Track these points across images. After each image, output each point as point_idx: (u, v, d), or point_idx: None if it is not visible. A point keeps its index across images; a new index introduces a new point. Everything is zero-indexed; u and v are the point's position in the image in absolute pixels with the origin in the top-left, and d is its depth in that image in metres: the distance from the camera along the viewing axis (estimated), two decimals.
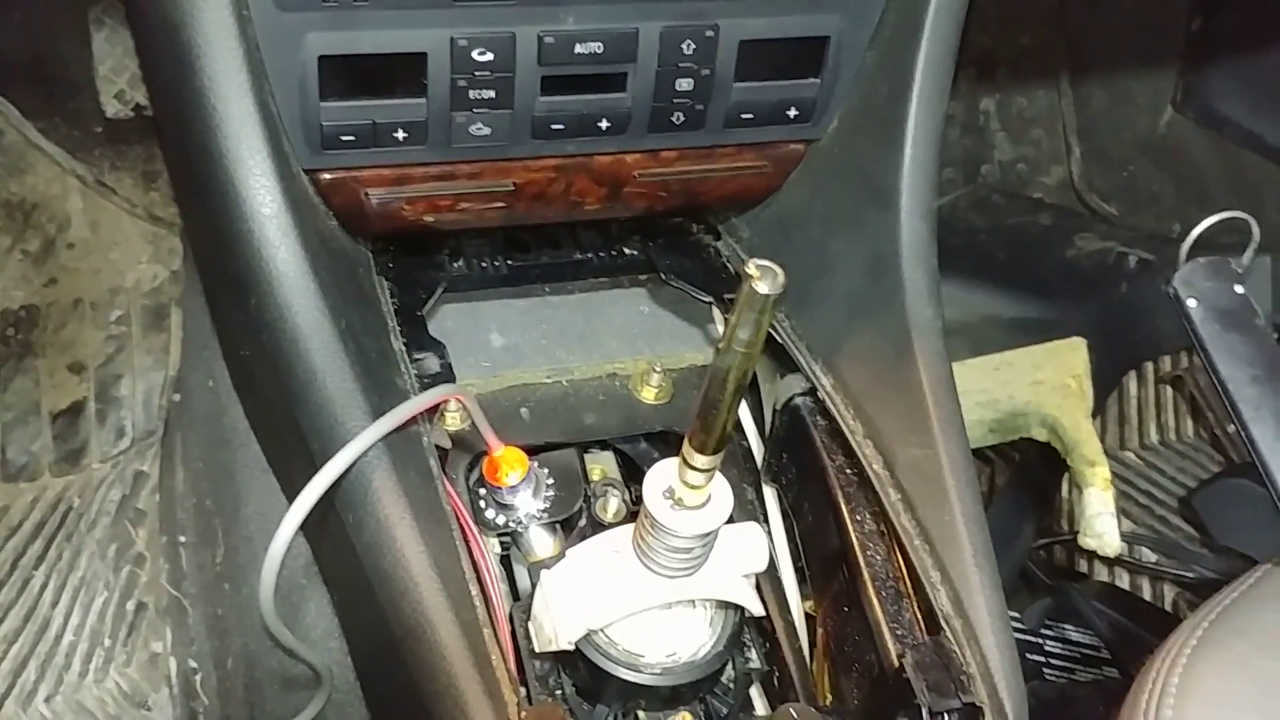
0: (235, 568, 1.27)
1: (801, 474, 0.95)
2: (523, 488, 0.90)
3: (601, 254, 1.13)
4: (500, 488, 0.89)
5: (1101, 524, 1.39)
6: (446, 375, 0.96)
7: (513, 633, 0.86)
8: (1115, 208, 1.88)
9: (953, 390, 0.89)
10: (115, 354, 1.48)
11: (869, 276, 0.94)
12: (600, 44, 0.86)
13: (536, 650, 0.84)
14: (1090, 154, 1.90)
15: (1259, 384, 0.83)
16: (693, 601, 0.84)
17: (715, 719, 0.87)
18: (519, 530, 0.91)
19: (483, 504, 0.91)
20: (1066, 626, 1.46)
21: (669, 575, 0.77)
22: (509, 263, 1.10)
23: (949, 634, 0.79)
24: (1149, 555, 1.54)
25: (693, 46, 0.88)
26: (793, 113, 0.95)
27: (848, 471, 0.90)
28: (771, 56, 0.92)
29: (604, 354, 1.06)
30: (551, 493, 0.91)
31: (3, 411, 1.41)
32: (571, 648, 0.80)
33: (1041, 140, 1.95)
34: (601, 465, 1.04)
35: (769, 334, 0.95)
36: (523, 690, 0.82)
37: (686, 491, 0.72)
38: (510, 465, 0.88)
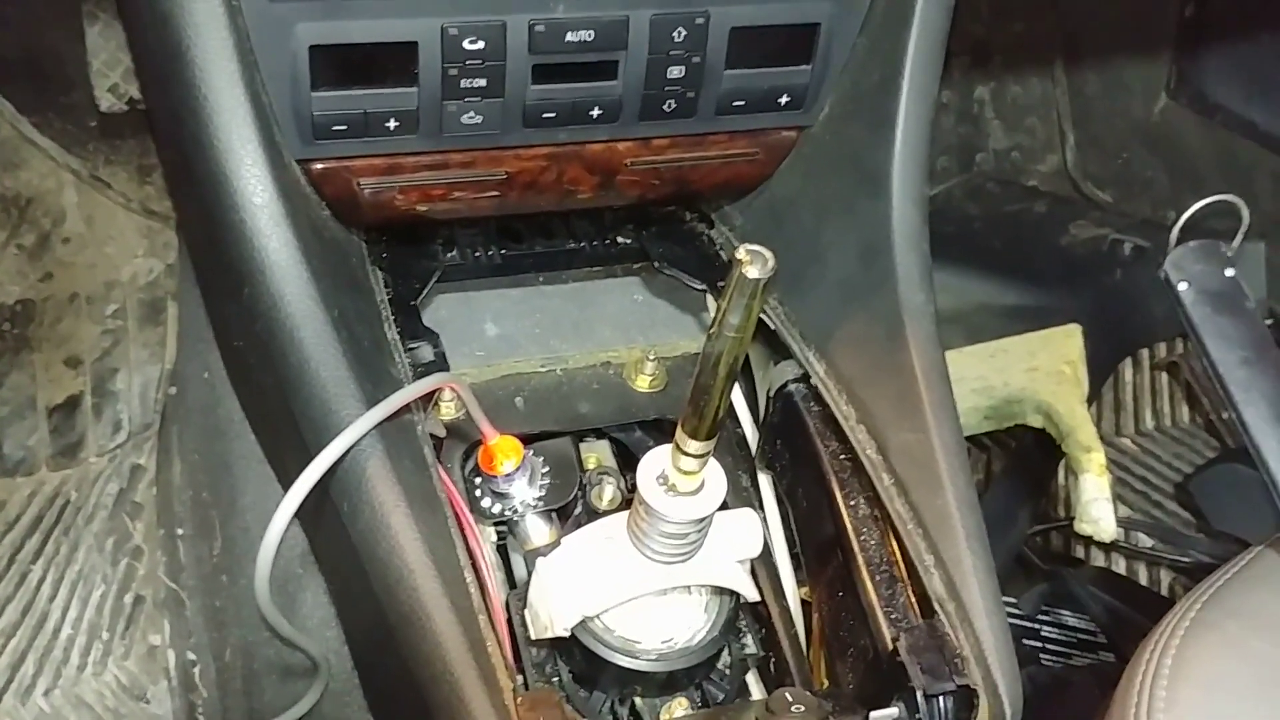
0: (232, 559, 1.27)
1: (795, 460, 0.95)
2: (518, 476, 0.90)
3: (595, 243, 1.13)
4: (496, 476, 0.89)
5: (1097, 510, 1.39)
6: (440, 364, 0.96)
7: (509, 620, 0.86)
8: (1110, 195, 1.88)
9: (945, 375, 0.89)
10: (111, 348, 1.48)
11: (861, 262, 0.94)
12: (591, 32, 0.86)
13: (533, 637, 0.85)
14: (1085, 141, 1.90)
15: (1249, 366, 0.83)
16: (688, 588, 0.84)
17: (711, 704, 0.88)
18: (515, 518, 0.91)
19: (478, 493, 0.91)
20: (1063, 612, 1.47)
21: (664, 561, 0.78)
22: (503, 252, 1.10)
23: (943, 617, 0.80)
24: (1145, 540, 1.55)
25: (683, 33, 0.88)
26: (784, 99, 0.95)
27: (841, 457, 0.90)
28: (762, 43, 0.91)
29: (598, 342, 1.07)
30: (547, 481, 0.92)
31: None
32: (568, 634, 0.80)
33: (1036, 128, 1.95)
34: (596, 453, 1.05)
35: (762, 321, 0.96)
36: (519, 677, 0.83)
37: (680, 477, 0.72)
38: (505, 454, 0.88)
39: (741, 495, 1.01)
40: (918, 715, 0.76)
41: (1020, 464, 1.64)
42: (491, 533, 0.95)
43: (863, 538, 0.85)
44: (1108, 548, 1.53)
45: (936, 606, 0.80)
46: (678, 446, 0.71)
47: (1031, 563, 1.54)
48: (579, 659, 0.83)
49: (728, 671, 0.89)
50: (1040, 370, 1.54)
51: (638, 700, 0.86)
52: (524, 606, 0.85)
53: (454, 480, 0.91)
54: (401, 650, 0.79)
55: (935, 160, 1.91)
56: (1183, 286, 0.88)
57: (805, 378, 0.95)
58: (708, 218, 1.14)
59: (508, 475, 0.89)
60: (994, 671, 0.77)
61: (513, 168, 0.94)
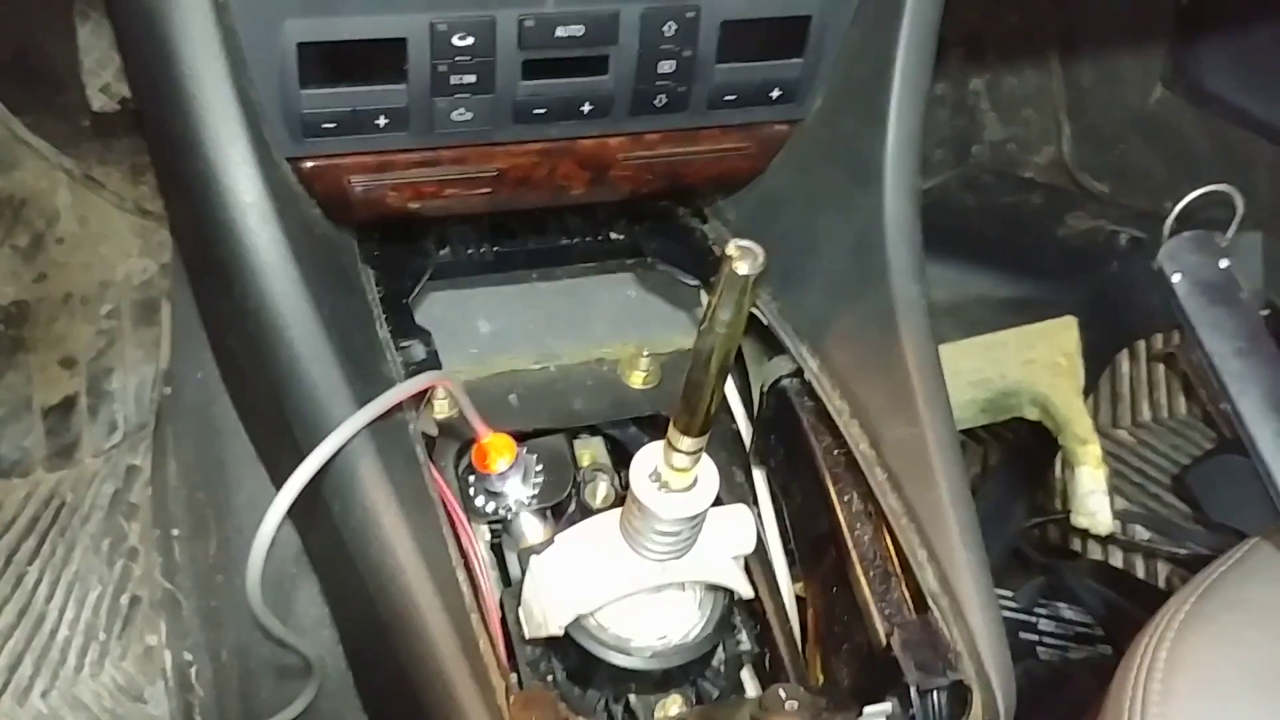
0: (228, 559, 1.27)
1: (789, 456, 0.95)
2: (511, 474, 0.90)
3: (588, 239, 1.13)
4: (489, 474, 0.89)
5: (1094, 502, 1.39)
6: (432, 362, 0.95)
7: (503, 619, 0.86)
8: (1106, 186, 1.87)
9: (938, 368, 0.89)
10: (106, 348, 1.48)
11: (854, 256, 0.94)
12: (581, 27, 0.85)
13: (527, 636, 0.84)
14: (1081, 133, 1.90)
15: (1243, 357, 0.83)
16: (682, 585, 0.84)
17: (706, 701, 0.88)
18: (509, 517, 0.91)
19: (472, 491, 0.91)
20: (1060, 605, 1.47)
21: (657, 558, 0.77)
22: (495, 249, 1.10)
23: (936, 612, 0.80)
24: (1142, 533, 1.54)
25: (674, 28, 0.88)
26: (776, 93, 0.95)
27: (835, 452, 0.90)
28: (754, 37, 0.91)
29: (592, 339, 1.06)
30: (540, 479, 0.91)
31: None
32: (562, 633, 0.80)
33: (1032, 119, 1.95)
34: (590, 450, 1.04)
35: (755, 316, 0.96)
36: (514, 676, 0.82)
37: (672, 474, 0.72)
38: (499, 452, 0.88)
39: (735, 491, 1.00)
40: (911, 711, 0.76)
41: (1017, 457, 1.64)
42: (486, 531, 0.94)
43: (856, 533, 0.85)
44: (1104, 540, 1.53)
45: (930, 602, 0.80)
46: (670, 443, 0.70)
47: (1028, 556, 1.53)
48: (573, 657, 0.83)
49: (722, 668, 0.89)
50: (1037, 363, 1.54)
51: (632, 698, 0.86)
52: (518, 605, 0.85)
53: (447, 479, 0.90)
54: (394, 650, 0.79)
55: (931, 152, 1.90)
56: (1176, 278, 0.88)
57: (798, 373, 0.95)
58: (701, 213, 1.13)
59: (501, 473, 0.89)
60: (987, 666, 0.77)
61: (504, 164, 0.94)
